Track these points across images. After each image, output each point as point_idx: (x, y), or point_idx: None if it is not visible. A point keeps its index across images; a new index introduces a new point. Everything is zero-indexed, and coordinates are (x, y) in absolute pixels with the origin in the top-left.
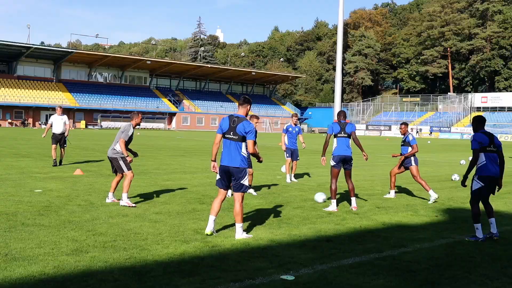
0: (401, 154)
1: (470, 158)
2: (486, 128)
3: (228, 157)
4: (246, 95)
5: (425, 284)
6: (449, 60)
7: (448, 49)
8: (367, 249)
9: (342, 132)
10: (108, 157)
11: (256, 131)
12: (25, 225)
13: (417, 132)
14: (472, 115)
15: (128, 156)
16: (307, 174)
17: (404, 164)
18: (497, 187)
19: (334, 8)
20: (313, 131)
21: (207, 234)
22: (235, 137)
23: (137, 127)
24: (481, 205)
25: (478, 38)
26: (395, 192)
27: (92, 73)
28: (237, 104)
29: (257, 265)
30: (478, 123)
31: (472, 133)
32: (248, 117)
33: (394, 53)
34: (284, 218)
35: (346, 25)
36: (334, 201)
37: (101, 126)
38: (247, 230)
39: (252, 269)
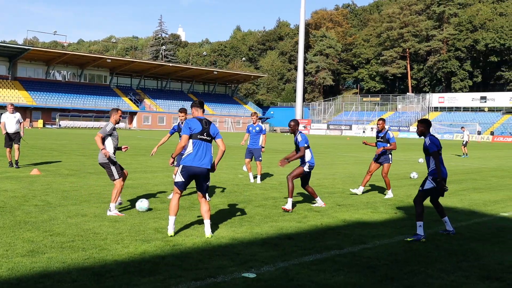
0: (376, 146)
1: (421, 160)
2: (445, 128)
3: (200, 159)
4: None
5: (384, 280)
6: (408, 61)
7: (407, 50)
8: (328, 246)
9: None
10: (99, 163)
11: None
12: None
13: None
14: (430, 115)
15: (104, 149)
16: (269, 173)
17: (381, 161)
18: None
19: (296, 8)
20: (275, 130)
21: (171, 236)
22: (208, 138)
23: (117, 125)
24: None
25: (435, 39)
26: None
27: (50, 71)
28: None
29: (218, 263)
30: (429, 126)
31: (428, 137)
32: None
33: (355, 54)
34: (245, 217)
35: (307, 25)
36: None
37: (59, 125)
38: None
39: (214, 267)
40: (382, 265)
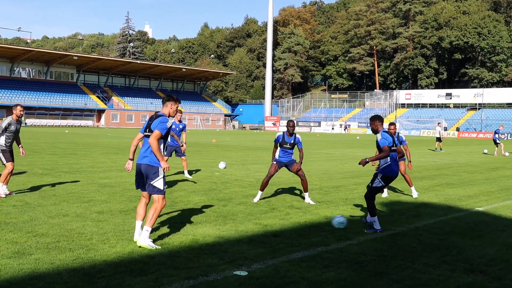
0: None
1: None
2: (412, 124)
3: (140, 155)
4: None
5: (374, 275)
6: (375, 58)
7: (374, 47)
8: (314, 242)
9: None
10: None
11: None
12: None
13: (345, 128)
14: (397, 111)
15: None
16: (246, 170)
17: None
18: None
19: (264, 6)
20: (244, 127)
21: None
22: (149, 134)
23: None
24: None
25: (401, 37)
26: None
27: (15, 68)
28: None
29: (208, 262)
30: (382, 122)
31: (380, 133)
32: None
33: (323, 51)
34: (228, 215)
35: (275, 23)
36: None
37: (25, 123)
38: (194, 226)
39: (204, 265)
40: (370, 260)
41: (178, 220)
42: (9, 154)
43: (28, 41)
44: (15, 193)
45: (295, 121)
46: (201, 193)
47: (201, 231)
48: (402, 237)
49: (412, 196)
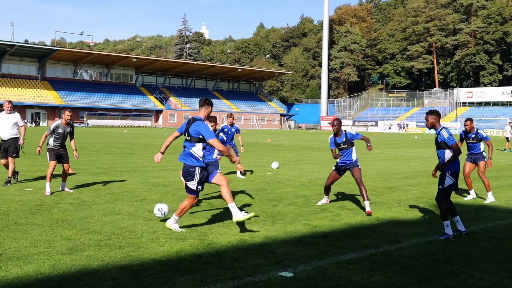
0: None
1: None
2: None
3: (181, 157)
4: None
5: (424, 279)
6: (434, 56)
7: (433, 44)
8: (363, 244)
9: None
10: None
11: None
12: (18, 224)
13: (404, 127)
14: (458, 110)
15: (40, 147)
16: (298, 170)
17: (475, 159)
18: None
19: (320, 4)
20: (299, 127)
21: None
22: (188, 137)
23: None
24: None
25: (462, 33)
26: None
27: (78, 71)
28: (223, 100)
29: (254, 262)
30: (440, 117)
31: (442, 128)
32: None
33: (380, 49)
34: (278, 215)
35: (331, 21)
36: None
37: (87, 124)
38: (242, 226)
39: (250, 266)
40: (420, 264)
41: (227, 220)
42: (54, 154)
43: (91, 44)
44: (72, 190)
45: (339, 119)
46: (252, 193)
47: (249, 231)
48: (457, 240)
49: (486, 201)
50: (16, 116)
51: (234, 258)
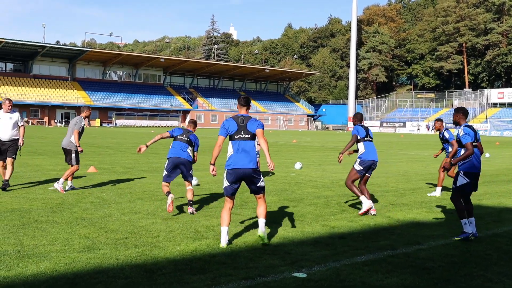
0: (443, 151)
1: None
2: (504, 125)
3: (241, 159)
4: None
5: (440, 282)
6: (465, 56)
7: (463, 44)
8: (381, 246)
9: (368, 136)
10: (62, 147)
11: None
12: (38, 222)
13: (432, 128)
14: (488, 111)
15: (79, 146)
16: (322, 171)
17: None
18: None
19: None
20: (327, 128)
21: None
22: (247, 136)
23: (86, 119)
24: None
25: (494, 33)
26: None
27: (107, 72)
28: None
29: (268, 263)
30: (466, 116)
31: (461, 127)
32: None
33: (409, 49)
34: (297, 215)
35: (359, 22)
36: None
37: (115, 124)
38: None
39: (264, 266)
40: (438, 266)
41: (246, 220)
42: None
43: (120, 45)
44: (92, 188)
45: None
46: (273, 194)
47: (266, 231)
48: (477, 243)
49: (429, 193)
50: (17, 116)
51: (249, 258)
